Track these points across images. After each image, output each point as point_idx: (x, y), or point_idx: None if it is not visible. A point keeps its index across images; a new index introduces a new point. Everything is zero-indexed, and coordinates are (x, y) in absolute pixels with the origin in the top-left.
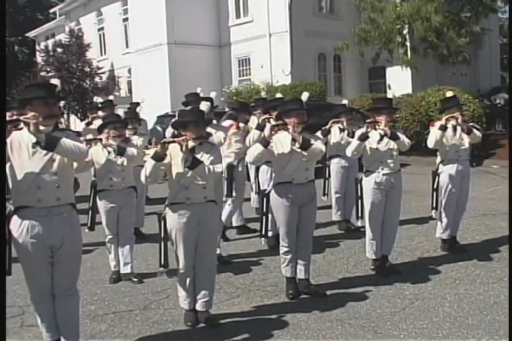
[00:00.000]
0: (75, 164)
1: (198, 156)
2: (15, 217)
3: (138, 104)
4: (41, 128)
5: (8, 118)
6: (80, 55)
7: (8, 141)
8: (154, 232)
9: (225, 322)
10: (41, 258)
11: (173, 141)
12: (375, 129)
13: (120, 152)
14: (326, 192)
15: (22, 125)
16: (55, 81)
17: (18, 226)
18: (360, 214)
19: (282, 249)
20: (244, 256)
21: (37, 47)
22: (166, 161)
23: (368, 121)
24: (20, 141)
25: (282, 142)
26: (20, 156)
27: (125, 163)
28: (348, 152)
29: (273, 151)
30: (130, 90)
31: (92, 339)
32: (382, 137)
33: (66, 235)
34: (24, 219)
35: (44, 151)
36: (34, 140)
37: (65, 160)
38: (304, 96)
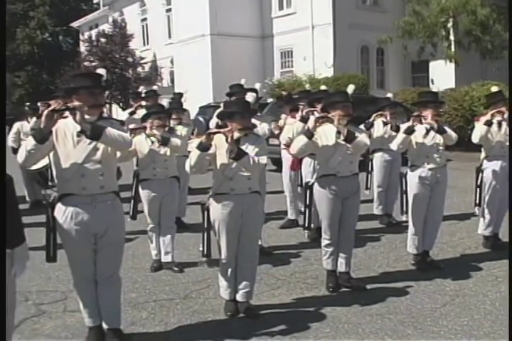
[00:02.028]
0: (118, 153)
1: (243, 147)
2: (59, 205)
3: (181, 94)
4: (86, 117)
5: (54, 107)
6: (123, 45)
7: (53, 129)
8: (195, 222)
9: (264, 314)
10: (85, 245)
11: (219, 132)
12: (421, 123)
13: (164, 142)
14: (369, 186)
15: (67, 113)
16: (101, 71)
17: (62, 214)
18: (404, 209)
19: (324, 242)
20: (285, 247)
21: (81, 38)
22: (211, 152)
23: (414, 114)
24: (66, 129)
25: (327, 134)
26: (65, 144)
27: (168, 153)
28: (394, 145)
29: (317, 143)
30: (172, 80)
31: (132, 326)
32: (428, 131)
33: (109, 222)
34: (68, 206)
35: (88, 140)
36: (79, 128)
37: (109, 149)
38: (350, 88)
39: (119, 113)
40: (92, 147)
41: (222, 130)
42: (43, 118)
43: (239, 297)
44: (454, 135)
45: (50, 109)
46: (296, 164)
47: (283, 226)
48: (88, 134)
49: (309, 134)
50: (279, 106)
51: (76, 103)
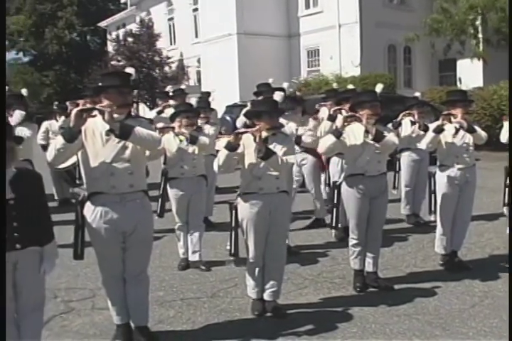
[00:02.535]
0: (147, 152)
1: (271, 147)
2: (88, 203)
3: (209, 93)
4: (115, 116)
5: (83, 107)
6: (150, 44)
7: (82, 128)
8: (223, 221)
9: (291, 313)
10: (114, 243)
11: (247, 132)
12: (451, 122)
13: (192, 140)
14: (396, 185)
15: (95, 112)
16: (129, 70)
17: (91, 212)
18: (433, 209)
19: (351, 241)
20: (312, 247)
21: (108, 37)
22: (239, 151)
23: (444, 113)
24: (94, 128)
25: (355, 133)
26: (94, 143)
27: (196, 152)
28: (423, 145)
29: (345, 142)
30: (199, 80)
31: (159, 324)
32: (457, 130)
33: (138, 221)
34: (98, 204)
35: (117, 139)
36: (108, 127)
37: (138, 148)
38: (378, 87)
39: (146, 112)
40: (121, 146)
41: (250, 129)
42: (72, 117)
43: (266, 296)
44: (483, 134)
45: (79, 108)
46: (323, 165)
47: (309, 226)
48: (117, 133)
49: (337, 133)
50: (291, 108)
51: (105, 102)
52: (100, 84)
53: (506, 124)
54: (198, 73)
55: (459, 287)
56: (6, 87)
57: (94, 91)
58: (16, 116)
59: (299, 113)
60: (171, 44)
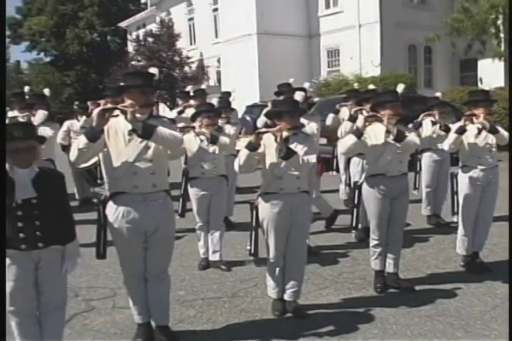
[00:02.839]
0: (169, 151)
1: (292, 146)
2: (111, 203)
3: (229, 93)
4: (137, 115)
5: (106, 106)
6: (170, 44)
7: (105, 127)
8: (243, 221)
9: (312, 313)
10: (136, 243)
11: (268, 131)
12: (473, 123)
13: (213, 140)
14: (417, 186)
15: (117, 112)
16: (153, 70)
17: (114, 212)
18: (455, 210)
19: (372, 242)
20: (332, 247)
21: (128, 37)
22: (260, 151)
23: (466, 114)
24: (117, 128)
25: (376, 133)
26: (117, 143)
27: (217, 152)
28: (445, 145)
29: (366, 143)
30: (219, 80)
31: (180, 323)
32: (480, 131)
33: (160, 221)
34: (120, 204)
35: (140, 138)
36: (130, 127)
37: (160, 148)
38: (400, 87)
39: (166, 112)
40: (144, 145)
41: (271, 129)
42: (95, 116)
43: (287, 296)
44: (506, 134)
45: (101, 107)
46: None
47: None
48: (139, 133)
49: (358, 133)
50: None
51: (127, 102)
52: (123, 83)
53: None
54: (218, 73)
55: (481, 288)
56: (27, 87)
57: (116, 91)
58: (38, 116)
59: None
60: (191, 44)
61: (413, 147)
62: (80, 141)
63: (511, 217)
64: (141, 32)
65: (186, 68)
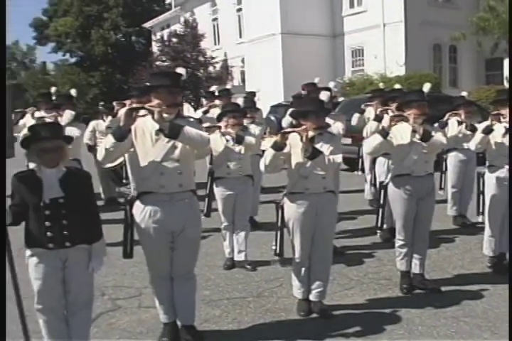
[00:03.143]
0: (195, 151)
1: (318, 146)
2: (137, 203)
3: (254, 93)
4: (164, 115)
5: (133, 106)
6: (195, 44)
7: (132, 127)
8: (268, 221)
9: (337, 314)
10: (162, 243)
11: (294, 131)
12: (500, 122)
13: (238, 140)
14: (443, 186)
15: (144, 112)
16: (180, 70)
17: (140, 211)
18: (481, 210)
19: (398, 243)
20: (357, 248)
21: (153, 38)
22: (285, 151)
23: (493, 113)
24: (144, 128)
25: (402, 133)
26: (144, 143)
27: (243, 151)
28: (472, 145)
29: (392, 142)
30: (243, 80)
31: (205, 323)
32: (507, 130)
33: (187, 221)
34: (147, 204)
35: (166, 138)
36: (157, 127)
37: (187, 148)
38: (426, 87)
39: (190, 112)
40: (171, 145)
41: (296, 129)
42: (122, 116)
43: (312, 296)
44: None
45: (129, 107)
46: None
47: None
48: (166, 133)
49: (384, 133)
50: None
51: (155, 102)
52: (150, 83)
53: None
54: (242, 73)
55: (508, 290)
56: (54, 88)
57: (144, 91)
58: (65, 116)
59: None
60: (215, 44)
61: (440, 147)
62: (107, 141)
63: (511, 218)
64: (166, 32)
65: (210, 68)
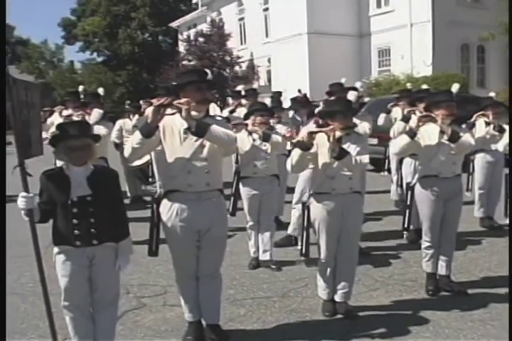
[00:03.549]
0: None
1: (345, 146)
2: (165, 201)
3: (280, 93)
4: (193, 113)
5: (161, 102)
6: (221, 44)
7: (161, 125)
8: None
9: (362, 315)
10: (188, 242)
11: (321, 131)
12: None
13: (265, 138)
14: (470, 187)
15: (171, 110)
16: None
17: (167, 210)
18: (508, 212)
19: (424, 244)
20: (383, 249)
21: (179, 37)
22: (312, 151)
23: None
24: (173, 126)
25: (430, 134)
26: (172, 141)
27: (269, 151)
28: (500, 146)
29: (419, 143)
30: (269, 79)
31: (230, 322)
32: None
33: (213, 220)
34: (174, 202)
35: (195, 137)
36: (185, 126)
37: (215, 147)
38: (454, 87)
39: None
40: (199, 144)
41: (323, 129)
42: (150, 113)
43: (337, 297)
44: None
45: (157, 103)
46: None
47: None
48: (193, 131)
49: (412, 134)
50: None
51: (183, 99)
52: (175, 83)
53: None
54: (268, 73)
55: None
56: (82, 87)
57: (171, 90)
58: (94, 115)
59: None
60: (242, 44)
61: (468, 148)
62: (134, 137)
63: (511, 219)
64: (192, 32)
65: (237, 68)
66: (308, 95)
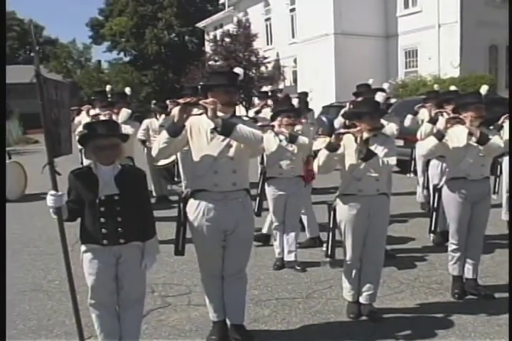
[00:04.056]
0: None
1: (372, 148)
2: (192, 200)
3: (306, 93)
4: (220, 114)
5: (187, 101)
6: (247, 44)
7: (188, 125)
8: (318, 222)
9: (387, 317)
10: (215, 242)
11: (348, 132)
12: None
13: (292, 139)
14: (497, 190)
15: (197, 111)
16: (238, 70)
17: (194, 209)
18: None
19: (451, 247)
20: (408, 251)
21: (206, 37)
22: (339, 152)
23: None
24: (200, 126)
25: (458, 136)
26: (199, 141)
27: (295, 151)
28: None
29: (447, 145)
30: (295, 80)
31: (254, 322)
32: None
33: (240, 220)
34: (201, 202)
35: (222, 137)
36: (213, 125)
37: (242, 147)
38: (483, 89)
39: (242, 112)
40: (226, 144)
41: (351, 130)
42: (177, 112)
43: (362, 299)
44: None
45: (184, 101)
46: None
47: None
48: (219, 130)
49: (440, 135)
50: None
51: (209, 99)
52: (203, 83)
53: None
54: (294, 73)
55: None
56: (109, 86)
57: (201, 89)
58: (122, 114)
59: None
60: (268, 44)
61: (497, 150)
62: (161, 137)
63: (511, 219)
64: (219, 32)
65: (262, 68)
66: (334, 96)
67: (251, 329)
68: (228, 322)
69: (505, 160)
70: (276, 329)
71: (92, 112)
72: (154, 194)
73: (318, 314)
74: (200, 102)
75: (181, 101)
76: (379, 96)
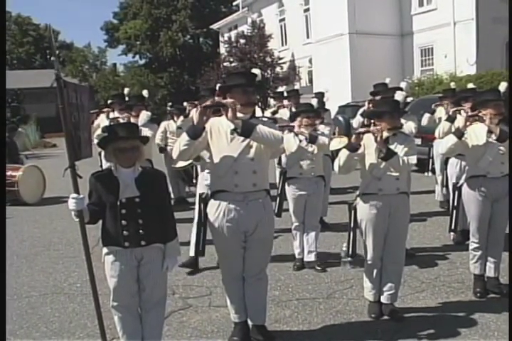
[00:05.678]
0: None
1: (392, 147)
2: (212, 201)
3: (322, 93)
4: (239, 115)
5: (207, 103)
6: (262, 45)
7: (208, 127)
8: (337, 222)
9: (409, 317)
10: (235, 242)
11: (368, 131)
12: None
13: (312, 140)
14: None
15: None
16: (256, 71)
17: (215, 210)
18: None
19: (472, 245)
20: (429, 250)
21: (220, 39)
22: (359, 152)
23: None
24: (220, 127)
25: (477, 133)
26: (219, 142)
27: (315, 152)
28: None
29: (467, 143)
30: (310, 80)
31: (276, 323)
32: None
33: (260, 220)
34: (221, 203)
35: (242, 138)
36: (232, 126)
37: (262, 147)
38: (502, 86)
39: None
40: (246, 144)
41: (371, 129)
42: (196, 114)
43: (383, 299)
44: None
45: (203, 105)
46: None
47: None
48: (239, 131)
49: (459, 133)
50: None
51: (229, 100)
52: (221, 84)
53: None
54: (310, 73)
55: None
56: (127, 89)
57: (219, 90)
58: (142, 117)
59: None
60: (283, 45)
61: None
62: (181, 139)
63: (511, 219)
64: (233, 33)
65: (278, 69)
66: (350, 95)
67: (272, 330)
68: (250, 322)
69: None
70: (297, 329)
71: (111, 115)
72: (172, 196)
73: (340, 314)
74: (222, 101)
75: (201, 104)
76: (398, 95)
